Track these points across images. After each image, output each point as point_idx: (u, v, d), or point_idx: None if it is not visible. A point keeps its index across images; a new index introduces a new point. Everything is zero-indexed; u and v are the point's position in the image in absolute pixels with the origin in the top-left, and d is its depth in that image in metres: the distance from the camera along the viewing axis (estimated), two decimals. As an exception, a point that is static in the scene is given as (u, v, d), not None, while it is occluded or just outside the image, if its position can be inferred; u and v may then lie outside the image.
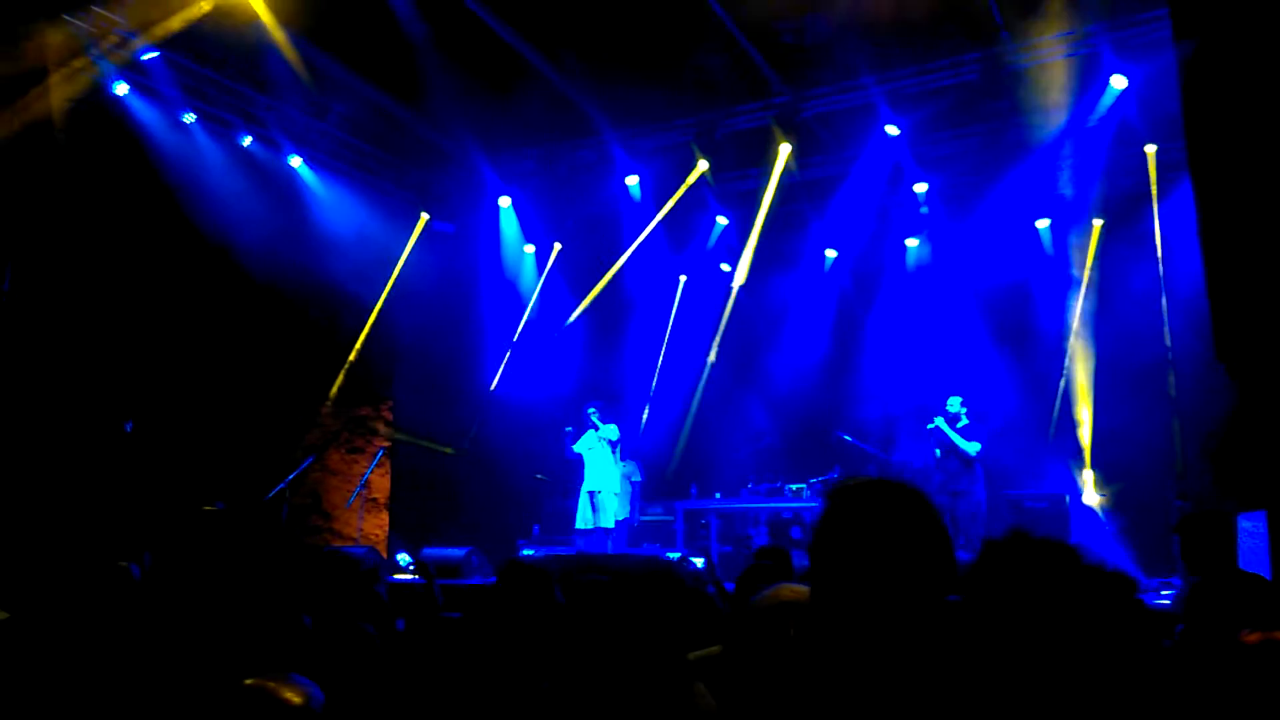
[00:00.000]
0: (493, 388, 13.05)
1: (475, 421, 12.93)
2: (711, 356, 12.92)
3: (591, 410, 11.08)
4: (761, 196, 11.77)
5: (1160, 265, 10.36)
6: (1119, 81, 9.52)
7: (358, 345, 12.38)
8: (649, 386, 13.39)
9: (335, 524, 12.88)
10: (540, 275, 13.59)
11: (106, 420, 9.70)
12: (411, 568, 10.25)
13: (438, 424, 13.09)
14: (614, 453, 11.03)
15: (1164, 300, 10.26)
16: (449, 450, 12.76)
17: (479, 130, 11.54)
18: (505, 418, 13.13)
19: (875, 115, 10.55)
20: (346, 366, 12.33)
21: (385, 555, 11.46)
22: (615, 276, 13.12)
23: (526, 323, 13.62)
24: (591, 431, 11.02)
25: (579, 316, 13.62)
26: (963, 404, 10.32)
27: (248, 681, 2.02)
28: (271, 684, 1.97)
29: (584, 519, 10.86)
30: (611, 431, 10.98)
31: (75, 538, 8.15)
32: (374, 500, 12.66)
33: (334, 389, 12.29)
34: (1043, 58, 9.74)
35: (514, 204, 12.98)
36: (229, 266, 10.68)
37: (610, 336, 13.64)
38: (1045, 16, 9.42)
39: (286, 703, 1.93)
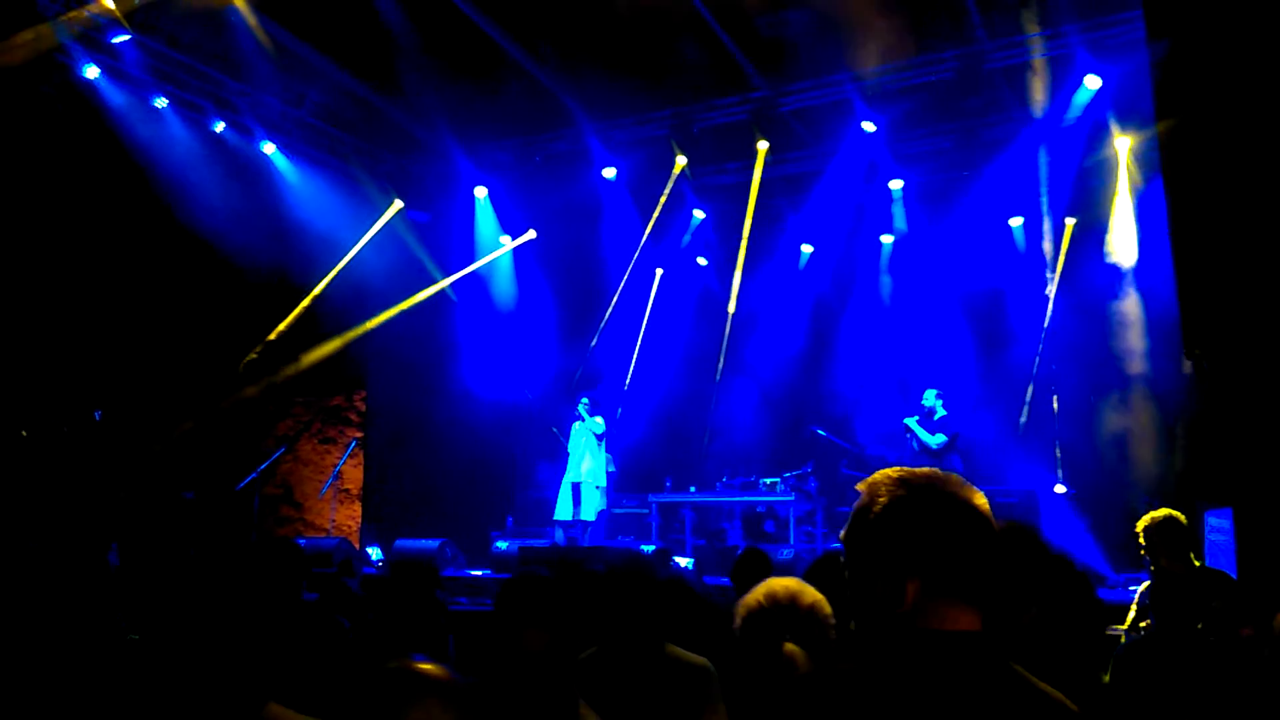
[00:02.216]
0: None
1: None
2: (719, 368, 12.91)
3: (584, 401, 11.05)
4: (738, 191, 11.79)
5: (1132, 261, 10.46)
6: (1093, 81, 9.60)
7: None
8: (624, 378, 13.37)
9: (307, 514, 12.81)
10: (516, 265, 13.53)
11: (76, 408, 9.59)
12: (381, 563, 10.17)
13: (412, 416, 13.03)
14: (599, 445, 11.00)
15: (1136, 297, 10.36)
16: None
17: (456, 120, 11.47)
18: (479, 409, 13.08)
19: (852, 111, 10.58)
20: (285, 325, 11.93)
21: (358, 546, 11.40)
22: (591, 268, 13.10)
23: (502, 314, 13.57)
24: (579, 423, 10.99)
25: (553, 307, 13.61)
26: (938, 396, 10.40)
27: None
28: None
29: (564, 510, 10.83)
30: (597, 425, 10.96)
31: (43, 527, 8.06)
32: (346, 491, 12.58)
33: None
34: (1018, 57, 9.81)
35: (490, 195, 12.92)
36: (200, 253, 10.58)
37: (585, 328, 13.62)
38: (1021, 16, 9.49)
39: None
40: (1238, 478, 6.48)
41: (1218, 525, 6.79)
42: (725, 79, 10.80)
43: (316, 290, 11.81)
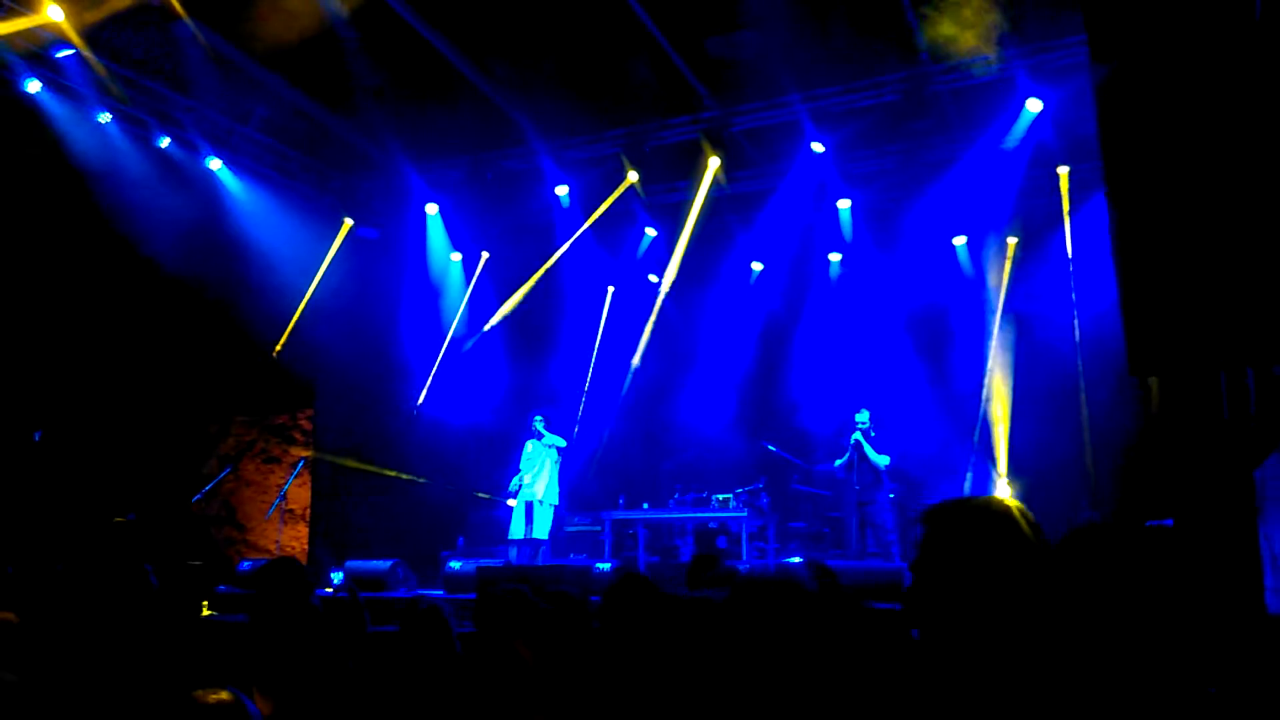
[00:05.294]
0: (419, 402, 12.86)
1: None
2: (635, 360, 12.96)
3: (537, 419, 11.01)
4: (689, 209, 11.89)
5: (1072, 282, 10.73)
6: (1034, 105, 9.86)
7: (279, 342, 12.02)
8: (578, 396, 13.37)
9: (250, 535, 12.60)
10: (468, 284, 13.48)
11: (14, 429, 9.34)
12: (341, 585, 9.97)
13: (362, 435, 12.89)
14: (556, 463, 10.98)
15: (1075, 316, 10.62)
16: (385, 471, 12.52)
17: (406, 137, 11.42)
18: (429, 428, 13.00)
19: (801, 132, 10.73)
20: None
21: (304, 566, 11.20)
22: (543, 287, 13.09)
23: (453, 332, 13.49)
24: (533, 440, 10.94)
25: (507, 327, 13.57)
26: (870, 418, 10.57)
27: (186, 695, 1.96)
28: (200, 691, 1.92)
29: (518, 529, 10.77)
30: (559, 440, 10.94)
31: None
32: (290, 511, 12.37)
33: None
34: (961, 80, 10.04)
35: (441, 212, 12.86)
36: (144, 271, 10.42)
37: (537, 347, 13.61)
38: (965, 40, 9.71)
39: (214, 705, 1.89)
40: (1178, 490, 6.67)
41: (1160, 537, 6.96)
42: (677, 99, 10.90)
43: (295, 316, 11.77)
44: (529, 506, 10.74)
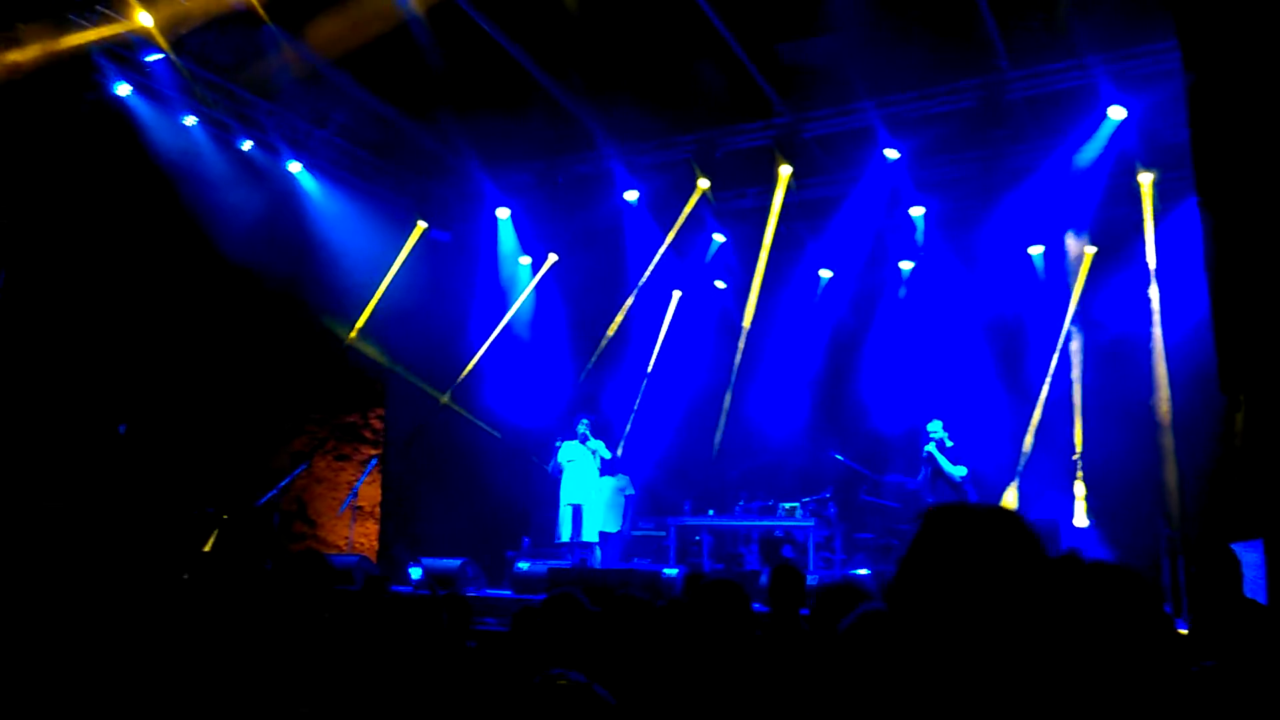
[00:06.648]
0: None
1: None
2: (733, 372, 12.93)
3: (582, 422, 11.06)
4: (759, 215, 11.84)
5: (1153, 293, 10.46)
6: (1117, 112, 9.64)
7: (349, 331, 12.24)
8: (643, 401, 13.37)
9: (320, 531, 12.80)
10: (535, 287, 13.57)
11: (101, 421, 9.63)
12: (420, 582, 10.08)
13: (430, 434, 13.05)
14: (598, 469, 11.00)
15: (1157, 327, 10.35)
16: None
17: (479, 142, 11.56)
18: (497, 428, 13.10)
19: (874, 138, 10.62)
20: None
21: (374, 563, 11.39)
22: (610, 290, 13.14)
23: (519, 335, 13.60)
24: (574, 443, 10.98)
25: (570, 329, 13.66)
26: (944, 427, 10.40)
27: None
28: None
29: (565, 531, 10.82)
30: (602, 448, 10.97)
31: (70, 538, 8.08)
32: (359, 508, 12.57)
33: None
34: (1041, 87, 9.86)
35: (512, 216, 12.99)
36: (224, 270, 10.67)
37: (604, 350, 13.64)
38: (1045, 46, 9.54)
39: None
40: (1266, 510, 6.46)
41: (1247, 559, 6.76)
42: (748, 105, 10.87)
43: (363, 318, 11.97)
44: (576, 510, 10.77)
